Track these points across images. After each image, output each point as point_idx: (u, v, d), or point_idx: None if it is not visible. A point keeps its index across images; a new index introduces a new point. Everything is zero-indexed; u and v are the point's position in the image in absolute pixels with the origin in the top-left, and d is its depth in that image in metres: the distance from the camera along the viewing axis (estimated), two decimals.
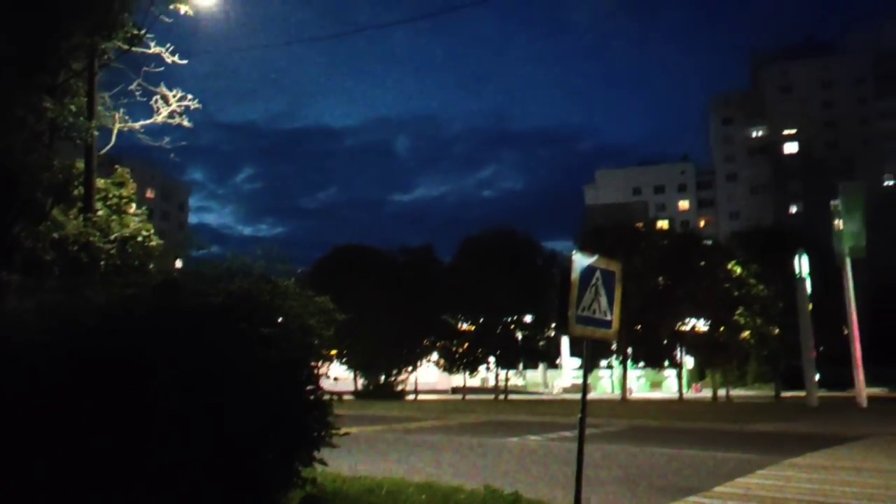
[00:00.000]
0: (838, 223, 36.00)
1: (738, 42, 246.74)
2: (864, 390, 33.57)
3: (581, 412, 6.97)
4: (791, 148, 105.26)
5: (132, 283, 6.54)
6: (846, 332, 35.77)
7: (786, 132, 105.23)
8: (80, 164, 12.95)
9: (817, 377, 36.24)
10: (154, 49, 13.39)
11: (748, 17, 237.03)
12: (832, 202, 37.49)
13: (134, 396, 5.29)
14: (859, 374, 33.66)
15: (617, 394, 55.86)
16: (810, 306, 35.05)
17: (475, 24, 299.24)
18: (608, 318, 6.93)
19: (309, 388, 6.47)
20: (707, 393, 54.06)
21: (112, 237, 12.76)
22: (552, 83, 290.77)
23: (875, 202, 68.69)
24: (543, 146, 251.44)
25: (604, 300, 6.88)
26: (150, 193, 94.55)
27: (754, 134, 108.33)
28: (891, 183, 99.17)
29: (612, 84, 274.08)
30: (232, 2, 13.85)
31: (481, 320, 49.41)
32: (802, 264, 34.95)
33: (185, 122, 13.87)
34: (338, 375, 57.92)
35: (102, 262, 12.43)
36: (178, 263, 14.28)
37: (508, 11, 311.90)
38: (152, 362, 5.36)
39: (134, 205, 14.11)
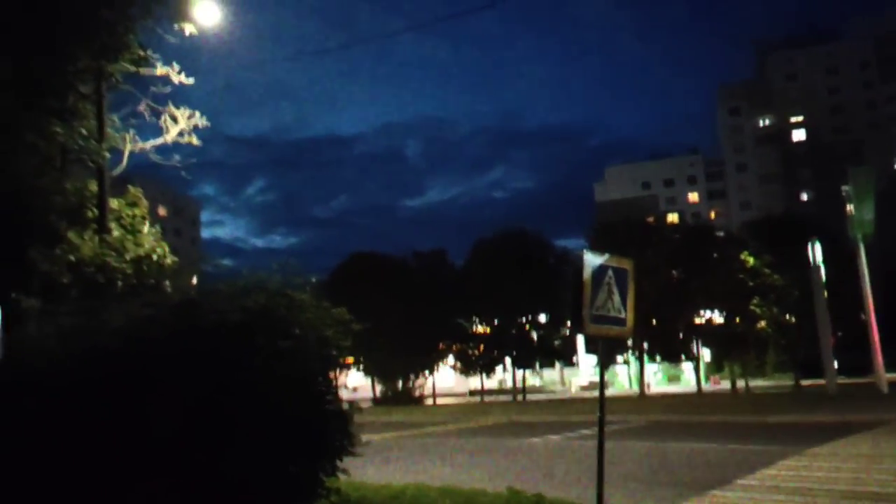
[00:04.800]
0: (850, 208, 35.74)
1: (742, 33, 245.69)
2: (884, 376, 33.27)
3: (600, 410, 7.00)
4: (799, 135, 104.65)
5: (149, 304, 6.58)
6: (863, 317, 35.49)
7: (793, 120, 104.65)
8: (93, 186, 13.02)
9: (836, 364, 35.91)
10: (161, 69, 13.46)
11: (750, 8, 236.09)
12: (843, 188, 37.22)
13: (156, 415, 5.35)
14: (878, 360, 33.38)
15: (635, 389, 55.63)
16: (826, 294, 34.77)
17: (478, 27, 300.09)
18: (622, 315, 6.94)
19: (328, 398, 6.52)
20: (726, 385, 53.78)
21: (128, 257, 12.80)
22: (558, 81, 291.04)
23: (885, 186, 68.18)
24: (552, 144, 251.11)
25: (617, 298, 6.89)
26: (162, 211, 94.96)
27: (762, 123, 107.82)
28: None
29: (619, 79, 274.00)
30: (236, 18, 13.92)
31: (496, 322, 49.41)
32: (816, 252, 34.67)
33: (195, 140, 13.94)
34: (356, 384, 58.21)
35: (119, 283, 12.46)
36: (194, 280, 14.32)
37: (511, 13, 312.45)
38: (174, 382, 5.42)
39: (147, 223, 14.18)
